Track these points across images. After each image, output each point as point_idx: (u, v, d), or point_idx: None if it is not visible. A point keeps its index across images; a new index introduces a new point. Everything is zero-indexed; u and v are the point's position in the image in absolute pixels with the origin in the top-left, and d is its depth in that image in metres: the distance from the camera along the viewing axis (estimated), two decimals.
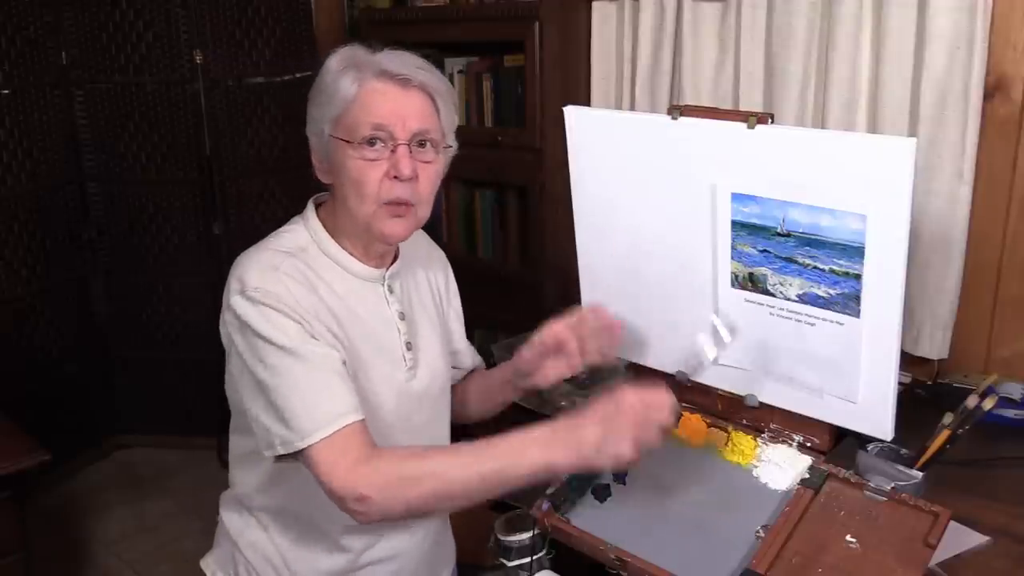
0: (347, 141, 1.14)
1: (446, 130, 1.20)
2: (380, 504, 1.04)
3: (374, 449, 1.08)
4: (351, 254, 1.21)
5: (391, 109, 1.13)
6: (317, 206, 1.25)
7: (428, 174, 1.17)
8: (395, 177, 1.13)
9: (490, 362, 2.12)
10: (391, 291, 1.25)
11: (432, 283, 1.37)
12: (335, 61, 1.16)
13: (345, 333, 1.16)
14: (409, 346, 1.25)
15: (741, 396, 1.33)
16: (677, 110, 1.25)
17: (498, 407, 1.44)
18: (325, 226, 1.22)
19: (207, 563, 1.34)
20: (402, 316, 1.26)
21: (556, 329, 1.25)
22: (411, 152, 1.14)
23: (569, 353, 1.25)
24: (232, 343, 1.13)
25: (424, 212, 1.19)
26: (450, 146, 1.21)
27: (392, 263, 1.27)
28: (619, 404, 1.04)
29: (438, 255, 1.42)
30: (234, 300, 1.11)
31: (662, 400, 1.05)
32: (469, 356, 1.48)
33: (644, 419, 1.03)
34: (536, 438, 1.04)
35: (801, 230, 1.16)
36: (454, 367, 1.43)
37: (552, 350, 1.25)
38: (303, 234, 1.21)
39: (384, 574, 1.29)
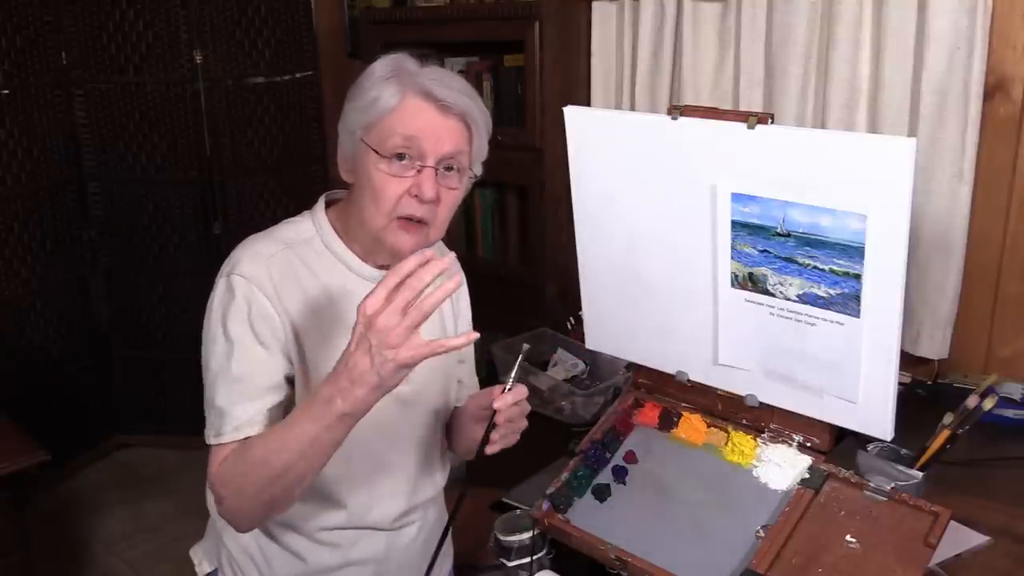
0: (376, 151, 1.13)
1: (475, 159, 1.20)
2: (234, 502, 1.08)
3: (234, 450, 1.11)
4: (354, 253, 1.21)
5: (426, 131, 1.12)
6: (328, 204, 1.25)
7: (448, 198, 1.17)
8: (415, 196, 1.13)
9: (490, 363, 2.13)
10: None
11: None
12: (381, 66, 1.15)
13: (320, 332, 1.17)
14: None
15: (741, 396, 1.33)
16: (677, 110, 1.25)
17: (470, 449, 1.30)
18: (334, 223, 1.22)
19: (195, 551, 1.36)
20: None
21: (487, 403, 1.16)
22: (437, 175, 1.14)
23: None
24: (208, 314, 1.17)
25: (436, 234, 1.19)
26: (475, 176, 1.21)
27: None
28: (365, 321, 0.95)
29: (454, 268, 1.39)
30: (221, 281, 1.16)
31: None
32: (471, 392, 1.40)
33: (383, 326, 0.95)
34: (325, 393, 0.99)
35: (801, 230, 1.16)
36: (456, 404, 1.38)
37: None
38: (308, 226, 1.22)
39: (367, 575, 1.28)
